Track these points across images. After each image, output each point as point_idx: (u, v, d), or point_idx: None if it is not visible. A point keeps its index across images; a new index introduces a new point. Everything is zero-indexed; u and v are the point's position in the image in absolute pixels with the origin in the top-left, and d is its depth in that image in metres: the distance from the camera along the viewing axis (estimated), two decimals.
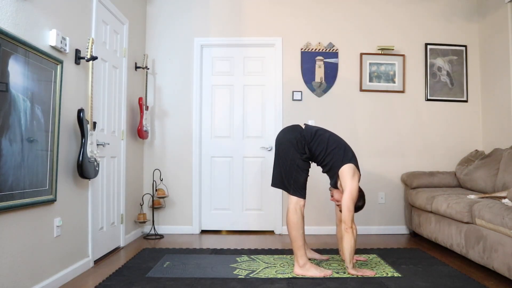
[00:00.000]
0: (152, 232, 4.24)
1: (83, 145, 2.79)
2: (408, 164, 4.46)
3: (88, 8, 3.11)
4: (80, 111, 2.76)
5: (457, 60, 4.54)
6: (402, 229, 4.44)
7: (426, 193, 3.80)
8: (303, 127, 2.99)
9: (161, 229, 4.38)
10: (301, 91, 4.46)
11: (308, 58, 4.49)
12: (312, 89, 4.48)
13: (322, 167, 3.00)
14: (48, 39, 2.50)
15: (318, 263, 3.13)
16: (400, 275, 2.82)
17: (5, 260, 2.09)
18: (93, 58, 2.90)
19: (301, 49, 4.49)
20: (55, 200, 2.56)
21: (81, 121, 2.78)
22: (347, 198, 2.77)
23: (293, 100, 4.46)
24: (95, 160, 2.94)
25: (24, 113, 2.22)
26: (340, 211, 2.88)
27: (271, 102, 4.51)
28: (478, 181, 3.83)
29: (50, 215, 2.54)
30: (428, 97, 4.52)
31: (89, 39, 2.90)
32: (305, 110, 4.44)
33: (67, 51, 2.72)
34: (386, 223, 4.44)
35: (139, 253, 3.44)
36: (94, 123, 2.95)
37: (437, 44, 4.53)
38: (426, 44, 4.53)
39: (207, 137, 4.54)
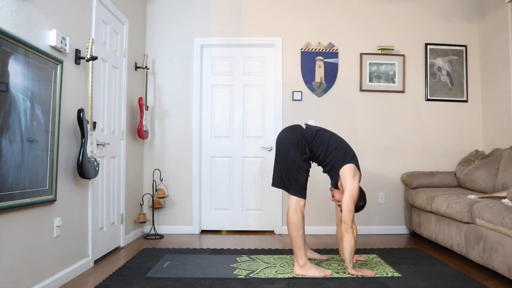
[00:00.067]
0: (152, 232, 4.24)
1: (83, 145, 2.79)
2: (408, 164, 4.46)
3: (88, 8, 3.11)
4: (80, 111, 2.76)
5: (457, 60, 4.54)
6: (402, 229, 4.44)
7: (426, 193, 3.80)
8: (304, 127, 2.99)
9: (161, 229, 4.38)
10: (301, 91, 4.46)
11: (308, 58, 4.49)
12: (312, 89, 4.48)
13: (322, 167, 3.00)
14: (48, 39, 2.50)
15: (318, 263, 3.13)
16: (400, 275, 2.82)
17: (5, 260, 2.09)
18: (93, 58, 2.90)
19: (301, 49, 4.49)
20: (55, 200, 2.56)
21: (81, 121, 2.78)
22: (348, 198, 2.77)
23: (293, 100, 4.46)
24: (95, 160, 2.94)
25: (24, 113, 2.22)
26: (341, 211, 2.88)
27: (271, 102, 4.51)
28: (478, 181, 3.83)
29: (50, 215, 2.54)
30: (428, 97, 4.52)
31: (89, 39, 2.90)
32: (305, 110, 4.44)
33: (67, 51, 2.72)
34: (386, 223, 4.44)
35: (139, 253, 3.44)
36: (94, 123, 2.95)
37: (437, 44, 4.53)
38: (426, 44, 4.53)
39: (207, 137, 4.54)
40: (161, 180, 4.37)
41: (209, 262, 3.15)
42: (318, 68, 4.48)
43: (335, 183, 2.96)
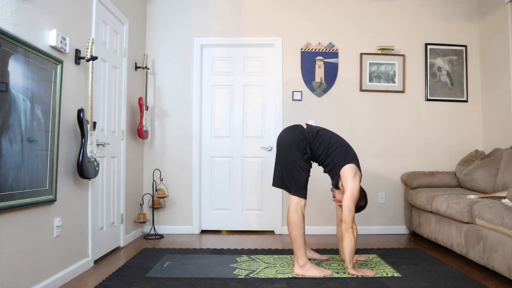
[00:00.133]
0: (152, 232, 4.24)
1: (83, 145, 2.79)
2: (408, 164, 4.46)
3: (88, 8, 3.11)
4: (80, 111, 2.76)
5: (457, 60, 4.54)
6: (402, 229, 4.44)
7: (426, 193, 3.80)
8: (305, 127, 2.99)
9: (161, 229, 4.38)
10: (301, 91, 4.46)
11: (308, 58, 4.49)
12: (312, 89, 4.48)
13: (323, 167, 3.00)
14: (48, 39, 2.50)
15: (318, 263, 3.13)
16: (400, 275, 2.82)
17: (5, 260, 2.09)
18: (93, 58, 2.90)
19: (301, 49, 4.49)
20: (55, 200, 2.56)
21: (81, 121, 2.78)
22: (348, 198, 2.77)
23: (293, 100, 4.46)
24: (95, 160, 2.94)
25: (24, 113, 2.22)
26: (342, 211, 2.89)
27: (271, 102, 4.51)
28: (478, 181, 3.83)
29: (50, 215, 2.54)
30: (428, 97, 4.52)
31: (89, 39, 2.90)
32: (305, 110, 4.44)
33: (67, 51, 2.72)
34: (386, 223, 4.44)
35: (139, 253, 3.44)
36: (94, 123, 2.95)
37: (437, 44, 4.53)
38: (426, 44, 4.53)
39: (207, 137, 4.54)
40: (161, 180, 4.37)
41: (209, 262, 3.15)
42: (318, 68, 4.48)
43: (335, 183, 2.96)
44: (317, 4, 4.53)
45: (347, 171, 2.83)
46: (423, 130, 4.50)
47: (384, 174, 4.45)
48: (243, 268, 2.99)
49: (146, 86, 4.33)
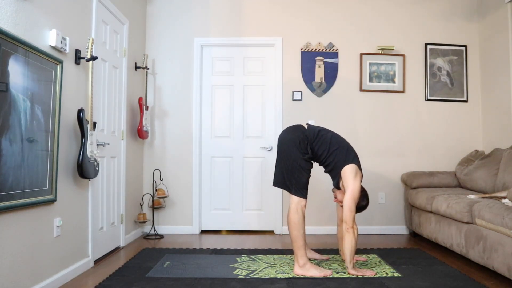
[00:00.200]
0: (152, 232, 4.24)
1: (83, 145, 2.79)
2: (408, 164, 4.46)
3: (88, 8, 3.11)
4: (80, 111, 2.76)
5: (457, 60, 4.54)
6: (402, 229, 4.44)
7: (426, 193, 3.80)
8: (306, 127, 2.99)
9: (161, 229, 4.38)
10: (301, 91, 4.46)
11: (308, 58, 4.49)
12: (312, 89, 4.48)
13: (324, 167, 3.00)
14: (48, 39, 2.50)
15: (318, 263, 3.13)
16: (400, 275, 2.82)
17: (5, 260, 2.09)
18: (93, 58, 2.90)
19: (301, 49, 4.49)
20: (55, 200, 2.56)
21: (81, 121, 2.78)
22: (349, 198, 2.77)
23: (293, 100, 4.46)
24: (95, 160, 2.94)
25: (24, 113, 2.22)
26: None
27: (271, 102, 4.51)
28: (478, 181, 3.83)
29: (50, 215, 2.54)
30: (428, 97, 4.52)
31: (89, 39, 2.90)
32: (305, 110, 4.44)
33: (67, 51, 2.72)
34: (386, 223, 4.44)
35: (139, 253, 3.44)
36: (94, 123, 2.95)
37: (437, 44, 4.53)
38: (426, 44, 4.53)
39: (207, 137, 4.54)
40: (161, 180, 4.37)
41: (209, 262, 3.15)
42: (318, 68, 4.48)
43: (336, 183, 2.96)
44: (317, 4, 4.53)
45: (348, 171, 2.83)
46: (423, 130, 4.50)
47: (384, 174, 4.45)
48: (243, 268, 2.99)
49: (146, 86, 4.33)
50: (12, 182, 2.12)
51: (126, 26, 3.90)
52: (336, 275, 2.81)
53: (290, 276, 2.80)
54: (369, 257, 3.30)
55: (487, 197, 3.24)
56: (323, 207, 4.34)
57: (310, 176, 2.93)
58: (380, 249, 3.59)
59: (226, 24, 4.52)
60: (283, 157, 2.91)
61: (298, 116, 4.37)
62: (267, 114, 4.52)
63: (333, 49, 4.50)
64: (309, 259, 3.00)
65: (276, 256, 3.37)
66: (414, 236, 4.23)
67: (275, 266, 3.05)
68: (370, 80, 4.49)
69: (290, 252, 3.43)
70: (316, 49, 4.50)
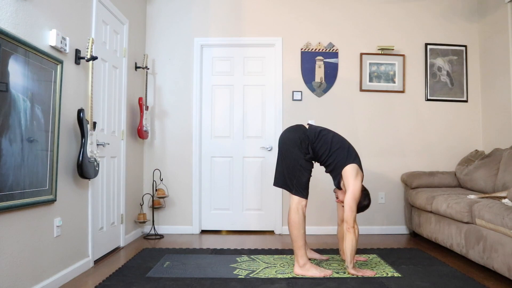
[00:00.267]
0: (152, 232, 4.24)
1: (83, 145, 2.79)
2: (408, 164, 4.46)
3: (88, 8, 3.11)
4: (80, 111, 2.76)
5: (457, 60, 4.54)
6: (402, 229, 4.44)
7: (426, 193, 3.80)
8: (307, 127, 2.99)
9: (161, 229, 4.38)
10: (301, 91, 4.46)
11: (308, 58, 4.49)
12: (312, 89, 4.48)
13: (325, 167, 3.01)
14: (48, 39, 2.50)
15: (318, 263, 3.13)
16: (400, 275, 2.82)
17: (5, 260, 2.09)
18: (93, 58, 2.90)
19: (301, 49, 4.49)
20: (55, 200, 2.56)
21: (81, 121, 2.78)
22: (350, 197, 2.77)
23: (293, 100, 4.46)
24: (95, 160, 2.94)
25: (24, 113, 2.22)
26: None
27: (271, 102, 4.51)
28: (478, 181, 3.83)
29: (50, 215, 2.54)
30: (428, 97, 4.52)
31: (89, 39, 2.90)
32: (305, 110, 4.44)
33: (67, 51, 2.72)
34: (386, 223, 4.44)
35: (139, 253, 3.44)
36: (94, 123, 2.95)
37: (437, 44, 4.53)
38: (426, 44, 4.53)
39: (207, 137, 4.54)
40: (161, 180, 4.37)
41: (209, 262, 3.15)
42: (318, 68, 4.48)
43: (337, 183, 2.96)
44: (317, 4, 4.53)
45: (349, 171, 2.83)
46: (423, 130, 4.50)
47: (384, 174, 4.45)
48: (243, 268, 2.99)
49: (146, 86, 4.33)
50: (12, 182, 2.12)
51: (126, 26, 3.90)
52: (336, 275, 2.81)
53: (290, 276, 2.80)
54: (369, 257, 3.30)
55: (487, 197, 3.24)
56: (323, 207, 4.34)
57: (311, 176, 2.93)
58: (380, 249, 3.59)
59: (226, 24, 4.52)
60: (284, 157, 2.91)
61: (298, 116, 4.37)
62: (267, 114, 4.53)
63: (333, 49, 4.50)
64: (309, 259, 3.00)
65: (276, 256, 3.37)
66: (414, 236, 4.23)
67: (275, 266, 3.05)
68: (370, 80, 4.49)
69: (290, 252, 3.43)
70: (316, 49, 4.50)
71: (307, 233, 3.02)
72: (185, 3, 4.53)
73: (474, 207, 3.02)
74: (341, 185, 2.93)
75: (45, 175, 2.45)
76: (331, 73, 4.48)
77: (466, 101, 4.53)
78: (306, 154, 2.87)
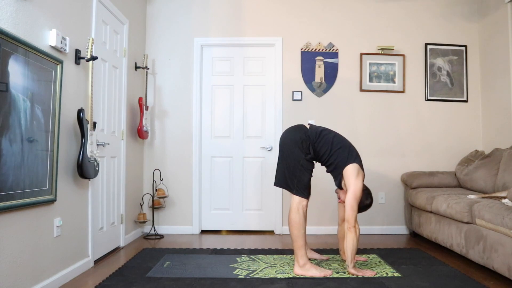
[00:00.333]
0: (152, 232, 4.24)
1: (83, 145, 2.79)
2: (408, 164, 4.46)
3: (88, 8, 3.11)
4: (80, 111, 2.76)
5: (457, 60, 4.54)
6: (402, 229, 4.44)
7: (426, 193, 3.80)
8: (308, 127, 3.00)
9: (161, 229, 4.38)
10: (301, 91, 4.46)
11: (308, 58, 4.49)
12: (312, 89, 4.48)
13: (326, 167, 3.01)
14: (48, 39, 2.50)
15: (318, 263, 3.13)
16: (400, 275, 2.82)
17: (5, 260, 2.09)
18: (93, 58, 2.90)
19: (301, 49, 4.49)
20: (55, 200, 2.56)
21: (81, 121, 2.78)
22: (351, 197, 2.77)
23: (293, 100, 4.46)
24: (95, 160, 2.94)
25: (24, 113, 2.22)
26: None
27: (271, 102, 4.51)
28: (478, 181, 3.83)
29: (50, 215, 2.54)
30: (428, 97, 4.52)
31: (89, 39, 2.90)
32: (305, 110, 4.44)
33: (67, 51, 2.72)
34: (386, 223, 4.44)
35: (139, 253, 3.44)
36: (94, 123, 2.95)
37: (437, 44, 4.53)
38: (426, 44, 4.53)
39: (207, 137, 4.54)
40: (161, 180, 4.37)
41: (209, 262, 3.15)
42: (318, 68, 4.48)
43: (339, 183, 2.97)
44: (317, 4, 4.53)
45: (349, 170, 2.83)
46: (423, 130, 4.50)
47: (384, 174, 4.45)
48: (243, 268, 2.99)
49: (146, 86, 4.33)
50: (12, 182, 2.12)
51: (126, 26, 3.90)
52: (336, 275, 2.81)
53: (290, 276, 2.80)
54: (369, 257, 3.30)
55: (487, 197, 3.24)
56: (323, 207, 4.34)
57: (311, 176, 2.94)
58: (380, 249, 3.59)
59: (226, 24, 4.52)
60: (285, 157, 2.91)
61: (298, 116, 4.37)
62: (267, 114, 4.52)
63: (333, 49, 4.50)
64: (309, 259, 3.00)
65: (276, 256, 3.37)
66: (414, 236, 4.23)
67: (275, 266, 3.05)
68: (370, 80, 4.49)
69: (290, 252, 3.43)
70: (316, 49, 4.50)
71: (307, 233, 3.02)
72: (185, 3, 4.53)
73: (474, 207, 3.02)
74: (342, 184, 2.93)
75: (45, 175, 2.45)
76: (331, 73, 4.48)
77: (466, 101, 4.53)
78: (307, 154, 2.88)
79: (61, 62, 2.60)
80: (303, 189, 2.87)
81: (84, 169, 2.79)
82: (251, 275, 2.82)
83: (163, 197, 4.29)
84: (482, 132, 4.51)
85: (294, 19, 4.51)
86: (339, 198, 3.05)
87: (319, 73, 4.48)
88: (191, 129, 4.47)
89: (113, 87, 3.62)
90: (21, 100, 2.20)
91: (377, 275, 2.80)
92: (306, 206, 2.89)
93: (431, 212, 3.67)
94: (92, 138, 2.89)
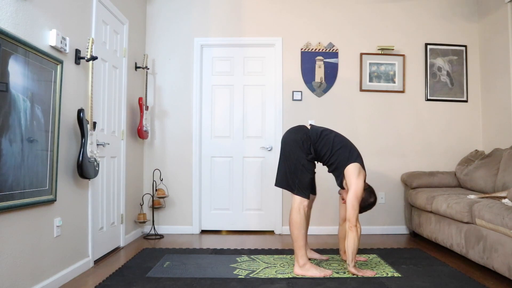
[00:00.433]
0: (152, 232, 4.24)
1: (83, 145, 2.79)
2: (408, 164, 4.46)
3: (88, 8, 3.11)
4: (80, 111, 2.76)
5: (457, 60, 4.54)
6: (402, 229, 4.44)
7: (426, 193, 3.80)
8: (309, 127, 3.00)
9: (161, 229, 4.38)
10: (301, 91, 4.46)
11: (308, 58, 4.49)
12: (312, 89, 4.48)
13: (327, 167, 3.01)
14: (48, 39, 2.50)
15: (318, 263, 3.13)
16: (400, 275, 2.82)
17: (5, 260, 2.09)
18: (93, 58, 2.90)
19: (301, 49, 4.49)
20: (55, 200, 2.56)
21: (81, 121, 2.78)
22: (352, 196, 2.77)
23: (293, 100, 4.46)
24: (95, 160, 2.94)
25: (24, 113, 2.22)
26: None
27: (271, 102, 4.51)
28: (478, 181, 3.83)
29: (50, 215, 2.54)
30: (428, 97, 4.52)
31: (89, 39, 2.90)
32: (305, 110, 4.44)
33: (67, 51, 2.72)
34: (386, 223, 4.44)
35: (139, 253, 3.44)
36: (94, 123, 2.95)
37: (437, 44, 4.53)
38: (426, 44, 4.53)
39: (207, 137, 4.54)
40: (161, 180, 4.37)
41: (209, 262, 3.15)
42: (318, 68, 4.48)
43: (340, 183, 2.97)
44: (317, 4, 4.53)
45: (351, 170, 2.84)
46: (423, 130, 4.50)
47: (384, 174, 4.45)
48: (243, 268, 2.99)
49: (146, 86, 4.33)
50: (12, 182, 2.12)
51: (126, 26, 3.90)
52: (336, 275, 2.82)
53: (290, 276, 2.80)
54: (369, 257, 3.30)
55: (487, 197, 3.24)
56: (324, 207, 4.34)
57: (312, 176, 2.94)
58: (380, 249, 3.59)
59: (226, 24, 4.52)
60: (286, 157, 2.92)
61: (298, 116, 4.37)
62: (267, 114, 4.52)
63: (333, 49, 4.50)
64: (309, 259, 3.00)
65: (276, 256, 3.37)
66: (414, 236, 4.23)
67: (275, 266, 3.05)
68: (370, 80, 4.49)
69: (290, 252, 3.43)
70: (316, 49, 4.50)
71: (308, 233, 3.02)
72: (185, 3, 4.53)
73: (474, 207, 3.02)
74: (344, 184, 2.94)
75: (45, 175, 2.45)
76: (331, 73, 4.48)
77: (466, 101, 4.53)
78: (308, 154, 2.88)
79: (61, 62, 2.60)
80: (304, 189, 2.87)
81: (84, 169, 2.79)
82: (251, 275, 2.82)
83: (163, 197, 4.29)
84: (482, 132, 4.51)
85: (294, 19, 4.51)
86: (343, 199, 3.04)
87: (319, 73, 4.48)
88: (191, 129, 4.47)
89: (113, 87, 3.62)
90: (21, 100, 2.20)
91: (377, 275, 2.80)
92: (308, 206, 2.90)
93: (431, 212, 3.67)
94: (92, 138, 2.89)
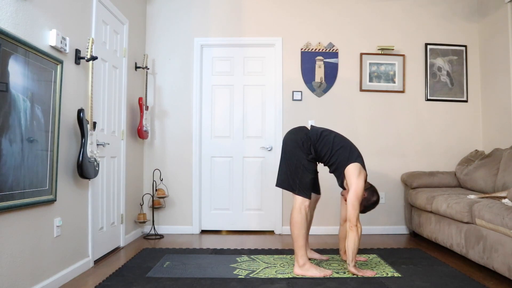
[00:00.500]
0: (152, 232, 4.24)
1: (83, 145, 2.79)
2: (408, 164, 4.45)
3: (88, 8, 3.11)
4: (80, 111, 2.76)
5: (457, 60, 4.54)
6: (402, 229, 4.44)
7: (426, 193, 3.80)
8: (309, 128, 3.01)
9: (161, 229, 4.38)
10: (301, 91, 4.46)
11: (308, 58, 4.49)
12: (312, 89, 4.48)
13: (328, 167, 3.02)
14: (48, 39, 2.50)
15: (318, 263, 3.13)
16: (400, 275, 2.82)
17: (5, 260, 2.09)
18: (93, 58, 2.90)
19: (301, 49, 4.49)
20: (55, 200, 2.56)
21: (81, 121, 2.78)
22: (352, 196, 2.78)
23: (293, 100, 4.46)
24: (95, 160, 2.94)
25: (24, 113, 2.22)
26: None
27: (271, 102, 4.51)
28: (478, 181, 3.83)
29: (50, 215, 2.54)
30: (428, 97, 4.52)
31: (89, 39, 2.90)
32: (305, 110, 4.44)
33: (67, 51, 2.72)
34: (386, 223, 4.44)
35: (139, 253, 3.44)
36: (94, 123, 2.95)
37: (437, 44, 4.53)
38: (426, 44, 4.53)
39: (207, 137, 4.54)
40: (161, 180, 4.37)
41: (209, 262, 3.15)
42: (318, 68, 4.48)
43: (341, 183, 2.97)
44: (317, 4, 4.53)
45: (351, 170, 2.84)
46: (423, 130, 4.50)
47: (384, 174, 4.45)
48: (243, 268, 2.99)
49: (146, 86, 4.33)
50: (12, 182, 2.12)
51: (126, 26, 3.90)
52: (336, 275, 2.82)
53: (290, 276, 2.80)
54: (369, 257, 3.30)
55: (487, 197, 3.24)
56: (324, 207, 4.32)
57: (313, 177, 2.94)
58: (380, 249, 3.59)
59: (226, 24, 4.52)
60: (287, 158, 2.93)
61: (298, 116, 4.37)
62: (267, 114, 4.52)
63: (333, 49, 4.50)
64: (309, 259, 3.00)
65: (276, 256, 3.37)
66: (414, 236, 4.23)
67: (275, 266, 3.05)
68: (370, 80, 4.49)
69: (290, 252, 3.43)
70: (316, 49, 4.50)
71: (310, 232, 3.02)
72: (185, 3, 4.53)
73: (474, 207, 3.02)
74: (345, 184, 2.94)
75: (45, 175, 2.45)
76: (331, 73, 4.48)
77: (466, 101, 4.53)
78: (309, 154, 2.89)
79: (61, 62, 2.60)
80: (305, 190, 2.87)
81: (84, 169, 2.79)
82: (251, 275, 2.82)
83: (163, 197, 4.29)
84: (482, 132, 4.51)
85: (294, 19, 4.51)
86: (345, 200, 3.04)
87: (319, 73, 4.48)
88: (191, 129, 4.47)
89: (113, 87, 3.62)
90: (21, 100, 2.20)
91: (377, 275, 2.80)
92: (311, 206, 2.91)
93: (431, 212, 3.67)
94: (92, 138, 2.89)
